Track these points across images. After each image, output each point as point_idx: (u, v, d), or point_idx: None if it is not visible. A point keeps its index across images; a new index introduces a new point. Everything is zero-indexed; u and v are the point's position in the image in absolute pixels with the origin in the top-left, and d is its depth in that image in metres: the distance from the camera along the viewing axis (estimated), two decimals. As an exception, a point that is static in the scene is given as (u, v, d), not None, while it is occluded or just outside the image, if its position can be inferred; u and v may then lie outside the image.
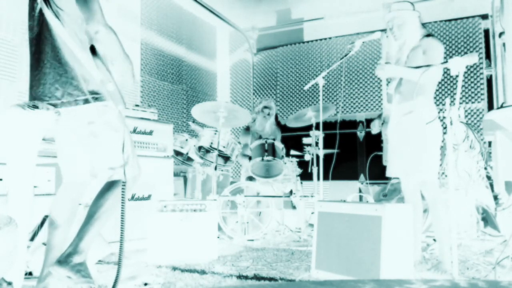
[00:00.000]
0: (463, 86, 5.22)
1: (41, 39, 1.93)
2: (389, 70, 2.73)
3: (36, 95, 1.91)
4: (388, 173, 2.83)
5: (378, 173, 4.88)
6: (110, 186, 2.01)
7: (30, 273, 2.21)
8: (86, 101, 1.91)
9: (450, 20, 5.45)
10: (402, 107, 2.70)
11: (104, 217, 1.97)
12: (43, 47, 1.92)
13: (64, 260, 1.82)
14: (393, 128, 2.78)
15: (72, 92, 1.89)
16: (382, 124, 2.98)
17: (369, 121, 5.93)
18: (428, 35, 2.70)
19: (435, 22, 5.50)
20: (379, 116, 3.27)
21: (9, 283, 1.74)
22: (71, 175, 2.06)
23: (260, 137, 4.60)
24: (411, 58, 2.67)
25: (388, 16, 2.75)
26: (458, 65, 2.16)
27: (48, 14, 1.88)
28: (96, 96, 1.93)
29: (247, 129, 4.89)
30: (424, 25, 2.75)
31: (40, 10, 1.92)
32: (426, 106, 2.60)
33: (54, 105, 1.88)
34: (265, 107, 4.80)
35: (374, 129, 3.36)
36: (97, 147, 1.99)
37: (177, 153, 4.29)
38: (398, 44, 2.78)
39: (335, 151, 3.99)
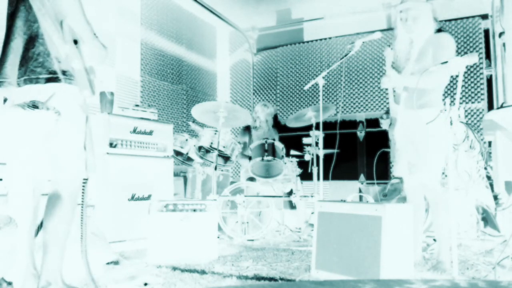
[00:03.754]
0: (463, 86, 5.22)
1: (17, 12, 1.82)
2: (395, 81, 2.68)
3: (1, 73, 1.78)
4: (394, 172, 2.82)
5: (379, 172, 4.88)
6: (54, 200, 1.85)
7: (30, 273, 2.21)
8: (48, 80, 1.77)
9: (450, 20, 5.45)
10: (409, 107, 2.64)
11: (61, 241, 1.84)
12: (17, 21, 1.81)
13: None
14: (400, 128, 2.75)
15: (35, 68, 1.76)
16: (390, 125, 2.96)
17: (369, 121, 5.93)
18: (439, 30, 2.59)
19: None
20: (387, 112, 3.24)
21: (9, 283, 1.74)
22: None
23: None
24: (421, 55, 2.58)
25: (402, 6, 2.61)
26: (458, 65, 2.16)
27: None
28: (60, 76, 1.79)
29: (247, 128, 4.91)
30: (436, 19, 2.61)
31: None
32: (432, 106, 2.54)
33: (18, 84, 1.76)
34: (274, 113, 4.98)
35: (384, 125, 3.34)
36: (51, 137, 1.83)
37: (177, 153, 4.29)
38: (410, 37, 2.66)
39: (335, 151, 3.99)
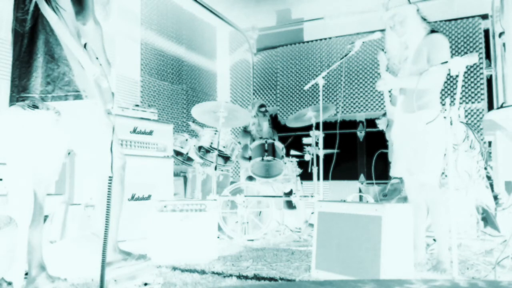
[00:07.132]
0: (463, 86, 5.22)
1: (35, 33, 1.95)
2: (391, 83, 2.70)
3: (25, 88, 1.91)
4: (392, 173, 2.83)
5: (379, 173, 4.87)
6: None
7: (30, 273, 2.21)
8: (76, 97, 1.94)
9: (450, 20, 5.45)
10: (407, 109, 2.67)
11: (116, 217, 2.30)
12: (36, 41, 1.94)
13: None
14: (397, 129, 2.77)
15: (62, 87, 1.92)
16: (387, 126, 2.97)
17: (369, 121, 5.93)
18: (432, 31, 2.64)
19: (435, 22, 5.49)
20: (384, 114, 3.26)
21: (9, 283, 1.74)
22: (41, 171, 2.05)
23: (261, 137, 4.61)
24: (417, 57, 2.63)
25: (387, 14, 2.69)
26: (458, 65, 2.16)
27: (45, 8, 1.92)
28: (86, 93, 1.96)
29: (245, 130, 4.91)
30: (425, 19, 2.68)
31: (36, 4, 1.95)
32: (430, 107, 2.57)
33: (44, 99, 1.91)
34: (261, 105, 4.85)
35: (381, 125, 3.34)
36: (85, 144, 2.10)
37: (177, 153, 4.29)
38: (402, 41, 2.71)
39: (335, 151, 3.99)
